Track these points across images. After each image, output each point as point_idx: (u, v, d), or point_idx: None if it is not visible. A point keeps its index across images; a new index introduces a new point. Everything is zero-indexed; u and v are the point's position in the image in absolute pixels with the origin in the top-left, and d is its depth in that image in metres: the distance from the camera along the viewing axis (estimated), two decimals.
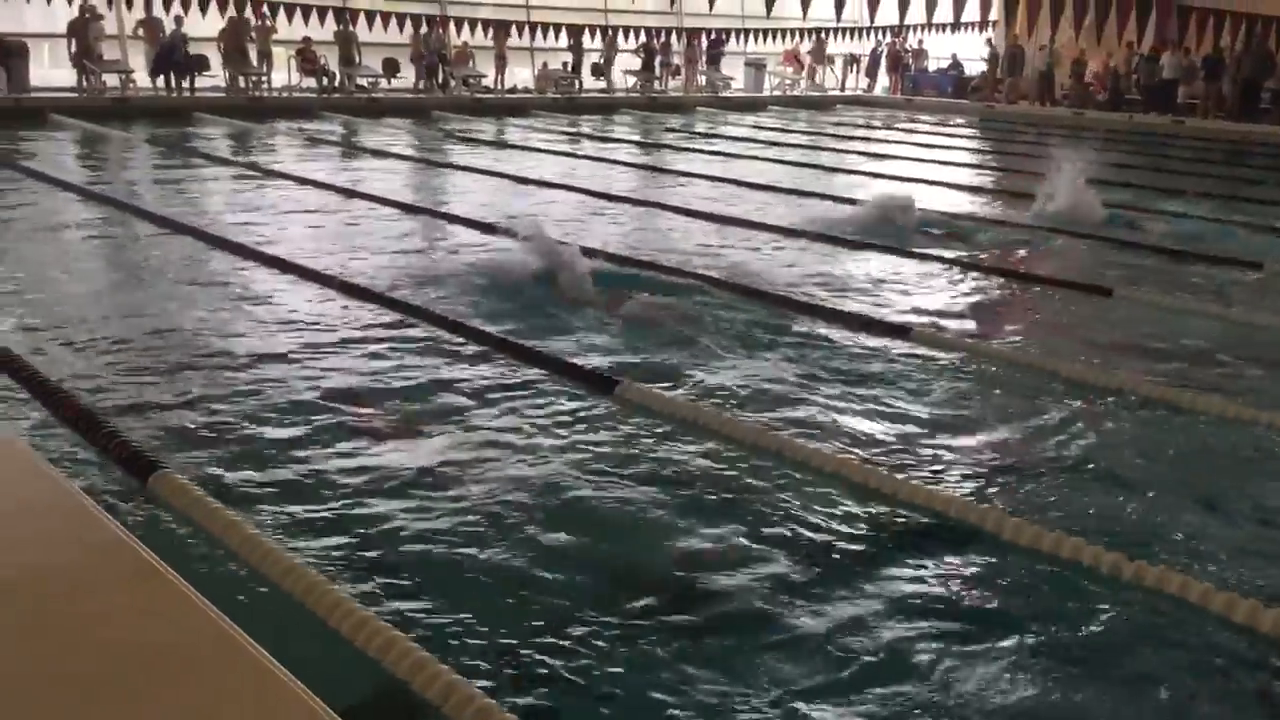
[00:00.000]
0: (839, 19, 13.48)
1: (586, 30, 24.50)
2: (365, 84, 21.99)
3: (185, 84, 19.84)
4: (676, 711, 3.05)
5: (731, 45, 26.73)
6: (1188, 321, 7.55)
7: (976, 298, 8.06)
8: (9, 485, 3.45)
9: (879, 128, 22.61)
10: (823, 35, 27.58)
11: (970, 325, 7.30)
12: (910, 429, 5.27)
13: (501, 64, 23.91)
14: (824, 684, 3.20)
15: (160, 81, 19.79)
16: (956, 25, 21.39)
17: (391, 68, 22.60)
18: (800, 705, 3.09)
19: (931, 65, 30.73)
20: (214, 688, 2.43)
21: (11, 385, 5.21)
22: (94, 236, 9.28)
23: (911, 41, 30.05)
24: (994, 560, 3.97)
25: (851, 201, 11.76)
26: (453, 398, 5.42)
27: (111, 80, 19.50)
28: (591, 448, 4.85)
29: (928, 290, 8.16)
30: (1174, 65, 24.80)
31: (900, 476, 4.57)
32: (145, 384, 5.46)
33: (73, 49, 18.93)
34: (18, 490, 3.41)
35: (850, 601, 3.65)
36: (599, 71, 26.04)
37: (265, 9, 20.56)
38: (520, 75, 25.38)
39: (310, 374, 5.68)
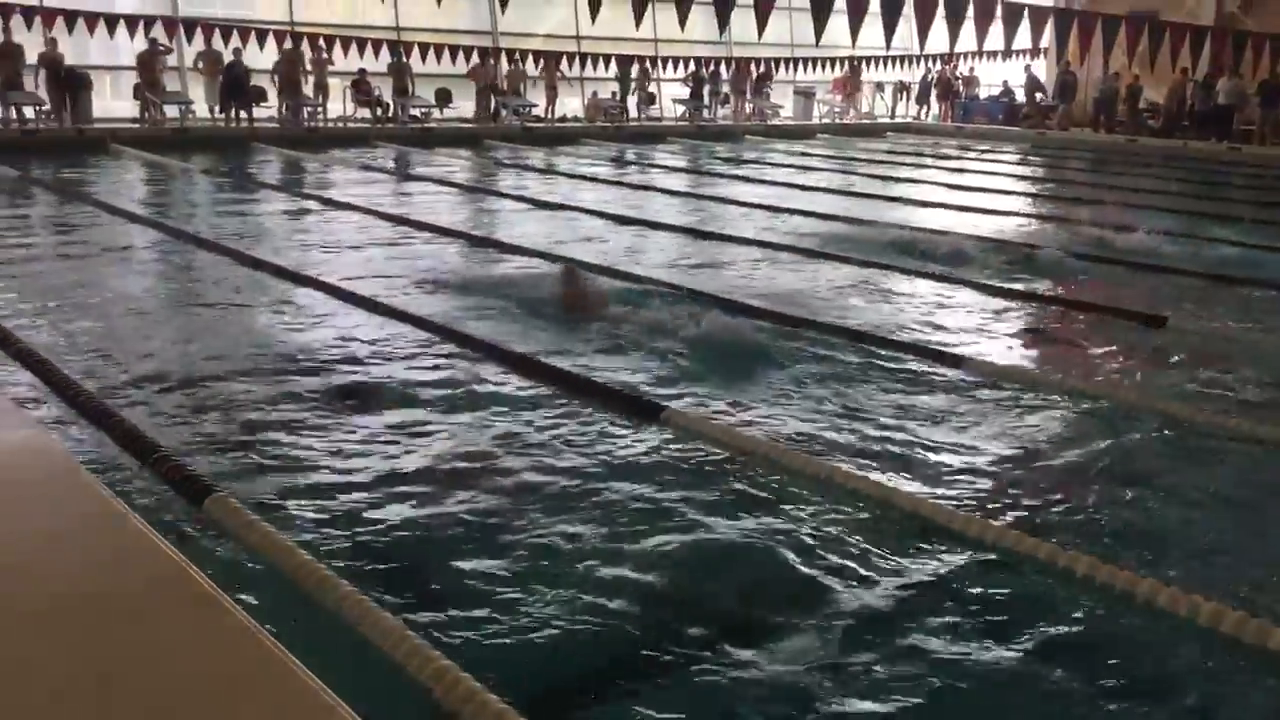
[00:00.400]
0: (888, 47, 13.48)
1: (635, 60, 24.66)
2: (418, 114, 22.28)
3: (243, 114, 20.22)
4: None
5: (781, 74, 26.78)
6: (1243, 350, 7.42)
7: (1030, 326, 7.97)
8: (67, 511, 3.51)
9: (928, 155, 22.52)
10: (855, 64, 27.53)
11: (1023, 354, 7.22)
12: (963, 459, 5.22)
13: (552, 94, 24.12)
14: (876, 716, 3.17)
15: (219, 111, 20.16)
16: (1008, 53, 21.23)
17: (444, 98, 22.89)
18: None
19: (983, 92, 30.59)
20: (266, 714, 2.45)
21: (68, 410, 5.31)
22: (151, 262, 9.48)
23: (962, 69, 29.95)
24: (1050, 595, 3.91)
25: (901, 229, 11.71)
26: (502, 424, 5.44)
27: (171, 111, 19.91)
28: (637, 474, 4.85)
29: (981, 318, 8.08)
30: (1229, 91, 24.48)
31: (952, 508, 4.53)
32: (200, 407, 5.54)
33: (138, 80, 19.37)
34: (75, 515, 3.48)
35: (899, 633, 3.61)
36: (648, 100, 26.21)
37: (321, 41, 20.92)
38: (570, 104, 25.60)
39: (359, 400, 5.74)
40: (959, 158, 22.37)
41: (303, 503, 4.48)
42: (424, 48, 21.71)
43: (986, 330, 7.77)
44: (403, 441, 5.20)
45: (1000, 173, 19.89)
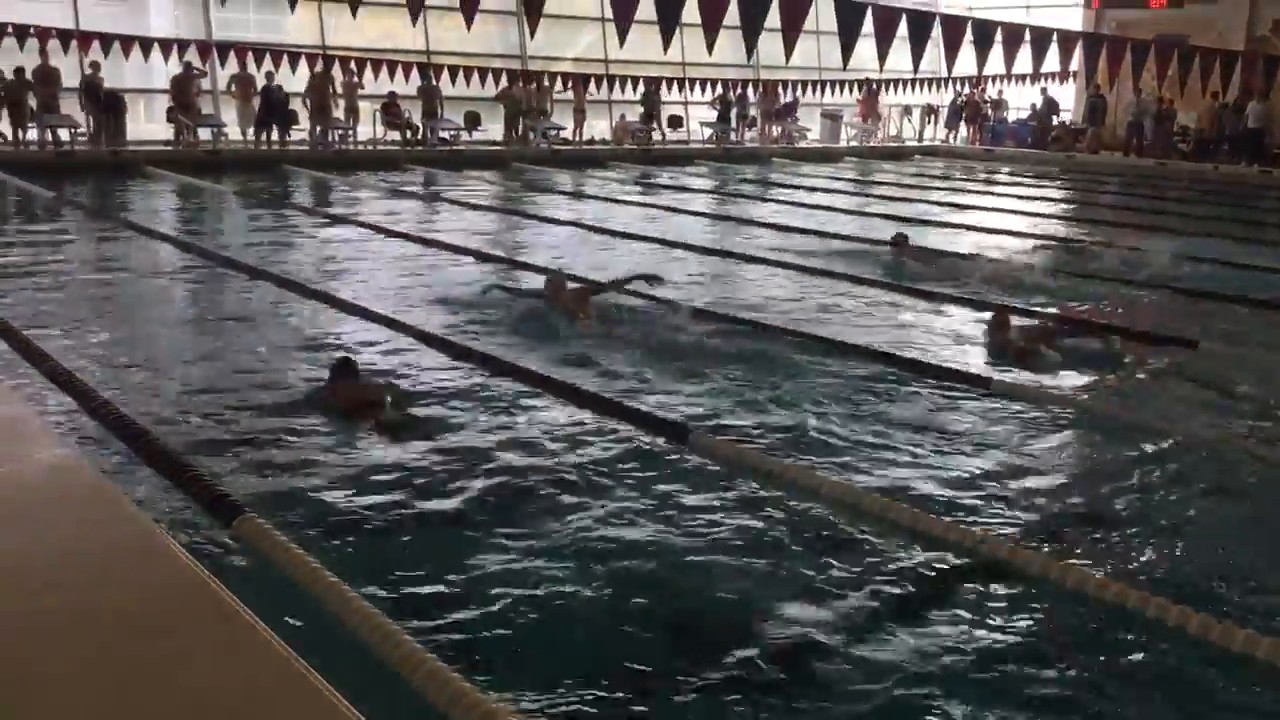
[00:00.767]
0: (916, 70, 13.46)
1: (663, 83, 24.74)
2: (447, 136, 22.44)
3: (275, 137, 20.43)
4: None
5: (808, 97, 26.81)
6: (1274, 374, 7.35)
7: (1059, 349, 7.90)
8: (96, 526, 3.55)
9: (955, 178, 22.46)
10: (874, 86, 27.50)
11: (1052, 377, 7.18)
12: (990, 483, 5.19)
13: (580, 116, 24.24)
14: None
15: (251, 134, 20.38)
16: (1036, 76, 21.19)
17: (473, 120, 23.05)
18: None
19: (1011, 115, 30.49)
20: None
21: (99, 428, 5.36)
22: (182, 282, 9.57)
23: (990, 92, 29.89)
24: (1081, 620, 3.88)
25: (939, 254, 11.68)
26: (531, 444, 5.46)
27: (204, 133, 20.13)
28: (664, 497, 4.85)
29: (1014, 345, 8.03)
30: (1259, 115, 24.33)
31: (979, 532, 4.50)
32: (230, 427, 5.58)
33: (172, 103, 19.62)
34: (104, 532, 3.51)
35: (926, 658, 3.58)
36: (675, 123, 26.30)
37: (352, 65, 21.12)
38: (598, 127, 25.71)
39: (387, 421, 5.75)
40: (987, 180, 22.30)
41: (329, 522, 4.50)
42: (453, 70, 21.88)
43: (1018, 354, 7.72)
44: (428, 461, 5.22)
45: (1029, 195, 19.82)
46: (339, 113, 21.26)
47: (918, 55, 11.65)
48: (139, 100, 20.87)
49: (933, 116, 30.92)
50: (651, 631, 3.74)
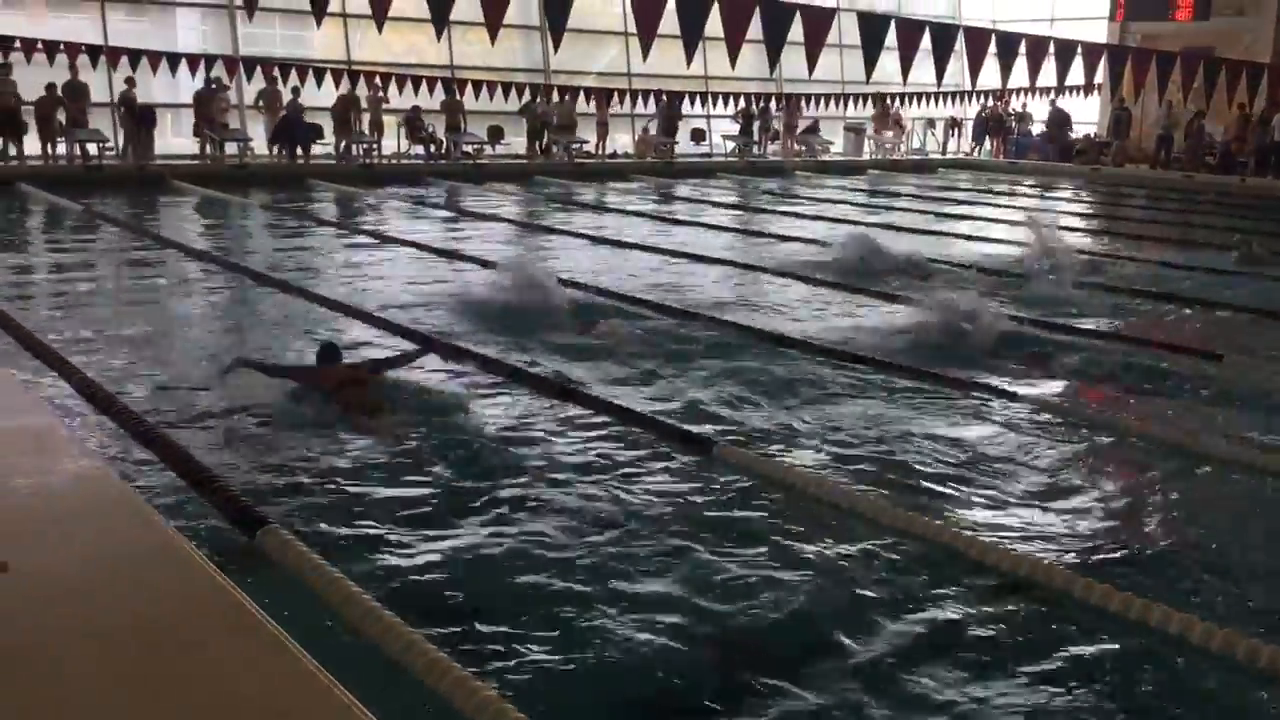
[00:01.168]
0: (939, 84, 13.44)
1: (686, 96, 24.78)
2: (470, 150, 22.54)
3: (300, 152, 20.58)
4: None
5: (831, 110, 26.81)
6: None
7: (1083, 362, 7.86)
8: (122, 538, 3.58)
9: (985, 191, 22.39)
10: (889, 100, 27.45)
11: (1076, 390, 7.13)
12: (1015, 497, 5.16)
13: (603, 130, 24.31)
14: None
15: (277, 149, 20.54)
16: (1061, 89, 21.14)
17: (496, 134, 23.15)
18: None
19: (1035, 129, 30.38)
20: None
21: (126, 439, 5.41)
22: (208, 294, 9.64)
23: (1015, 105, 29.79)
24: (1107, 636, 3.85)
25: (951, 263, 11.65)
26: (556, 457, 5.47)
27: (230, 148, 20.31)
28: (688, 509, 4.85)
29: (1035, 353, 7.98)
30: None
31: (1004, 546, 4.48)
32: (255, 439, 5.62)
33: (197, 117, 19.80)
34: (127, 541, 3.54)
35: (950, 671, 3.56)
36: (698, 136, 26.34)
37: (378, 80, 21.26)
38: (621, 140, 25.77)
39: (410, 431, 5.78)
40: (1010, 193, 22.22)
41: (352, 533, 4.52)
42: (477, 85, 21.99)
43: (1040, 365, 7.68)
44: (451, 472, 5.23)
45: (1054, 209, 19.74)
46: (364, 127, 21.41)
47: (941, 68, 11.64)
48: (166, 115, 21.03)
49: (956, 129, 30.85)
50: (677, 646, 3.74)
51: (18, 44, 17.74)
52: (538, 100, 23.06)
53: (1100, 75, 15.96)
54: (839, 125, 28.65)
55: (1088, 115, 29.03)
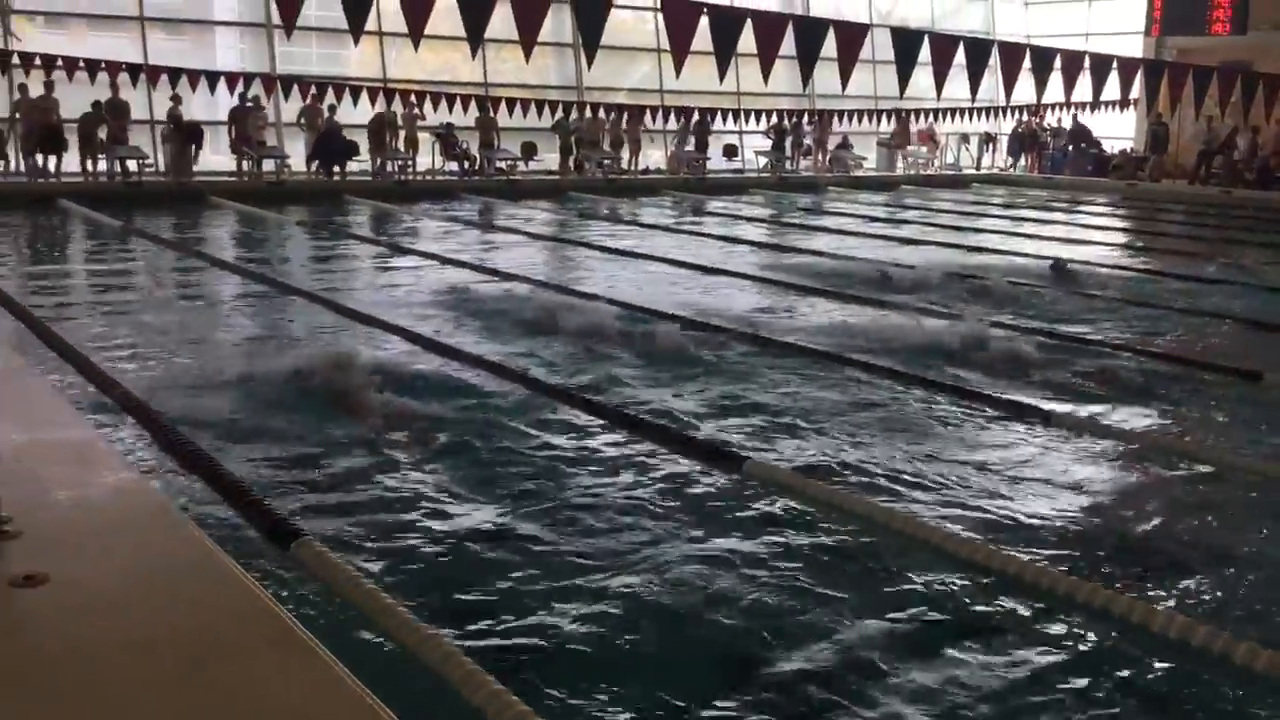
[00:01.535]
0: (974, 98, 13.39)
1: (717, 113, 24.80)
2: (504, 166, 22.67)
3: (337, 169, 20.78)
4: None
5: (864, 125, 26.75)
6: None
7: (1119, 380, 7.79)
8: (160, 549, 3.61)
9: (1022, 206, 22.28)
10: (904, 115, 27.31)
11: (1112, 410, 7.07)
12: (1049, 517, 5.12)
13: (635, 146, 24.38)
14: None
15: (315, 167, 20.74)
16: (1096, 104, 20.98)
17: (529, 151, 23.28)
18: None
19: (1088, 145, 30.14)
20: None
21: (161, 450, 5.47)
22: (245, 309, 9.74)
23: (1050, 120, 29.62)
24: (1141, 654, 3.81)
25: (985, 280, 11.59)
26: (586, 472, 5.48)
27: (268, 164, 20.53)
28: (718, 525, 4.84)
29: (1070, 372, 7.91)
30: None
31: (1040, 565, 4.44)
32: (290, 451, 5.66)
33: (233, 135, 20.04)
34: (166, 553, 3.58)
35: (982, 692, 3.54)
36: (730, 152, 26.36)
37: (413, 98, 21.45)
38: (653, 156, 25.83)
39: (441, 444, 5.82)
40: (1046, 208, 22.07)
41: (387, 545, 4.55)
42: (510, 102, 22.13)
43: (1075, 384, 7.62)
44: (485, 487, 5.26)
45: (1089, 224, 19.60)
46: (399, 144, 21.59)
47: (975, 83, 11.60)
48: (205, 132, 21.29)
49: (991, 144, 30.71)
50: (705, 662, 3.74)
51: (60, 62, 18.03)
52: (570, 117, 23.17)
53: (1136, 90, 15.86)
54: (872, 140, 28.59)
55: (1124, 130, 28.81)
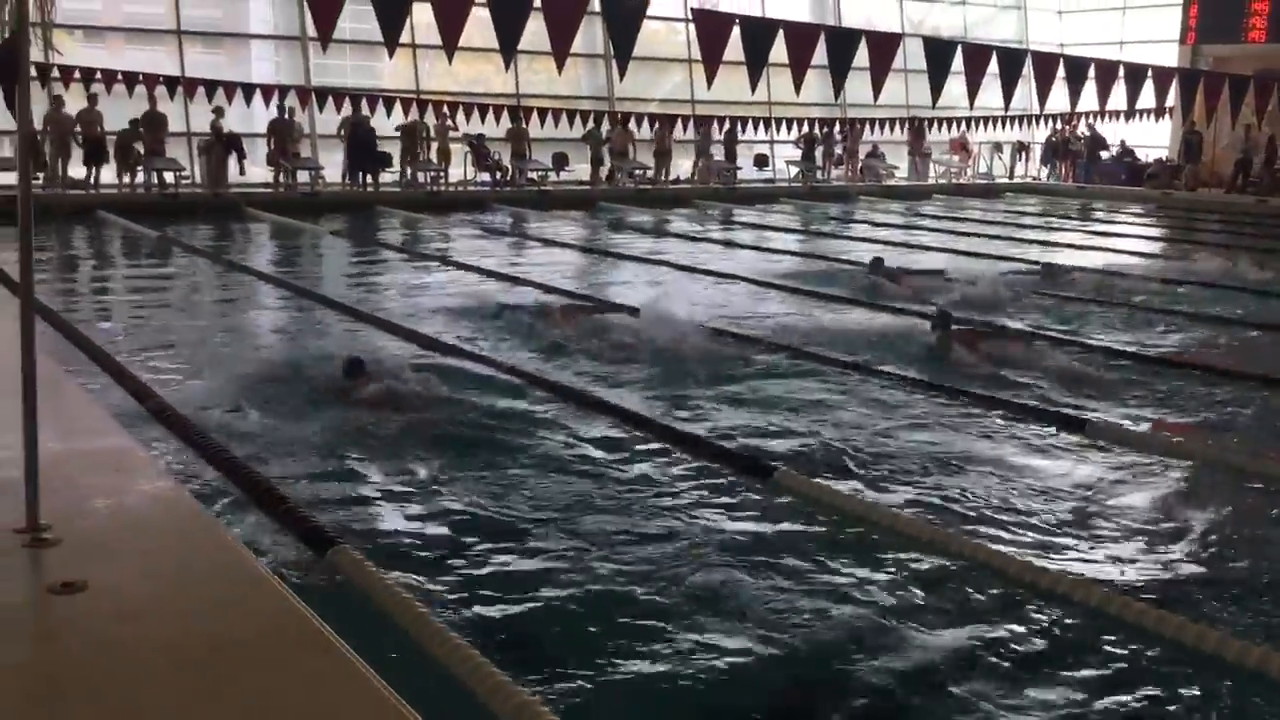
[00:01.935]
0: (1007, 107, 13.32)
1: (750, 122, 24.79)
2: (535, 177, 22.76)
3: (370, 180, 20.93)
4: None
5: (896, 134, 26.66)
6: None
7: (1160, 391, 7.72)
8: (193, 555, 3.65)
9: (1059, 217, 22.13)
10: (916, 124, 27.14)
11: (1151, 420, 7.01)
12: (1085, 529, 5.07)
13: (665, 157, 24.40)
14: None
15: (347, 178, 20.89)
16: (1131, 113, 20.81)
17: (560, 161, 23.35)
18: None
19: (1104, 153, 29.95)
20: None
21: (196, 458, 5.52)
22: (279, 318, 9.82)
23: (1083, 128, 29.42)
24: (1183, 670, 3.77)
25: (1021, 291, 11.51)
26: (616, 482, 5.49)
27: (302, 176, 20.70)
28: (747, 535, 4.83)
29: (1107, 382, 7.85)
30: None
31: (1074, 578, 4.40)
32: (324, 459, 5.71)
33: (271, 146, 20.24)
34: (201, 560, 3.61)
35: (1014, 707, 3.51)
36: (761, 162, 26.33)
37: (445, 109, 21.58)
38: (683, 166, 25.84)
39: (474, 454, 5.84)
40: (1082, 218, 21.91)
41: (421, 555, 4.58)
42: (542, 113, 22.22)
43: (1113, 394, 7.54)
44: (516, 495, 5.27)
45: (1122, 233, 19.43)
46: (431, 155, 21.72)
47: (1009, 92, 11.53)
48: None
49: (1024, 154, 30.52)
50: (740, 676, 3.73)
51: (99, 75, 18.28)
52: (600, 128, 23.24)
53: (1171, 99, 15.73)
54: (903, 150, 28.48)
55: (1159, 139, 28.58)
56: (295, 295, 10.94)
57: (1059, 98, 13.77)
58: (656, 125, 23.59)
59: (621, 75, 14.41)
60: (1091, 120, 26.71)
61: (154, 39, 21.24)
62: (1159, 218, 23.19)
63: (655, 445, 6.09)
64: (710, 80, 9.51)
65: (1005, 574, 4.40)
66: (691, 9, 17.77)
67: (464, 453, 5.89)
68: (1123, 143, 28.89)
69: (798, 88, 10.17)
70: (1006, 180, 29.73)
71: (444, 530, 4.86)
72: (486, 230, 17.47)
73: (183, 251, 14.21)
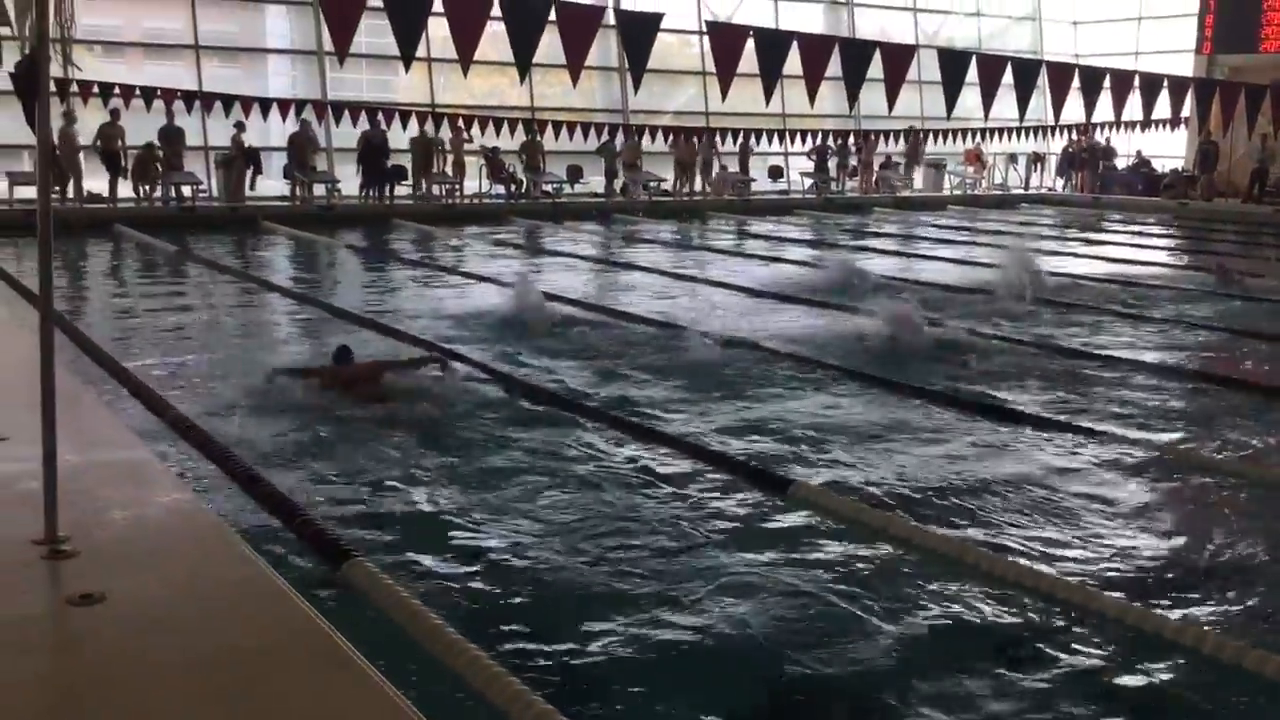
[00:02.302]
0: (1022, 118, 13.31)
1: (764, 134, 24.81)
2: (550, 190, 22.81)
3: (385, 193, 21.00)
4: None
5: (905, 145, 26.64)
6: None
7: (1174, 402, 7.68)
8: (214, 569, 3.66)
9: (1071, 227, 22.07)
10: (916, 134, 27.08)
11: (1164, 431, 6.97)
12: (1101, 540, 5.05)
13: (681, 169, 24.42)
14: None
15: (364, 192, 20.97)
16: (1147, 122, 20.77)
17: (575, 174, 23.41)
18: None
19: (1120, 163, 29.86)
20: None
21: (212, 469, 5.54)
22: (296, 331, 9.86)
23: (1099, 139, 29.33)
24: (1194, 677, 3.75)
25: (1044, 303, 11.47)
26: (632, 492, 5.49)
27: (318, 189, 20.80)
28: (764, 548, 4.83)
29: (1136, 396, 7.80)
30: None
31: (1091, 588, 4.38)
32: (340, 471, 5.72)
33: (290, 160, 20.35)
34: (219, 572, 3.62)
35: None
36: (776, 174, 26.33)
37: (460, 122, 21.66)
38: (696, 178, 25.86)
39: (490, 467, 5.85)
40: (1099, 229, 21.85)
41: (436, 567, 4.58)
42: (557, 126, 22.28)
43: (1142, 408, 7.48)
44: (533, 508, 5.28)
45: (1142, 244, 19.37)
46: (447, 168, 21.80)
47: (1024, 103, 11.53)
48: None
49: (1039, 164, 30.46)
50: (756, 689, 3.72)
51: (117, 90, 18.41)
52: (615, 141, 23.28)
53: (1186, 109, 15.70)
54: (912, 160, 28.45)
55: (1175, 149, 28.48)
56: (312, 308, 10.98)
57: (1074, 108, 13.76)
58: (671, 137, 23.63)
59: (636, 88, 14.45)
60: (1108, 133, 26.62)
61: (172, 54, 21.40)
62: (1176, 228, 23.09)
63: (674, 454, 6.08)
64: (724, 93, 9.55)
65: (1037, 590, 4.37)
66: (706, 22, 17.84)
67: (478, 464, 5.90)
68: (1139, 153, 28.81)
69: (812, 99, 10.19)
70: (1021, 191, 29.67)
71: (461, 541, 4.87)
72: (502, 243, 17.51)
73: (200, 265, 14.28)
